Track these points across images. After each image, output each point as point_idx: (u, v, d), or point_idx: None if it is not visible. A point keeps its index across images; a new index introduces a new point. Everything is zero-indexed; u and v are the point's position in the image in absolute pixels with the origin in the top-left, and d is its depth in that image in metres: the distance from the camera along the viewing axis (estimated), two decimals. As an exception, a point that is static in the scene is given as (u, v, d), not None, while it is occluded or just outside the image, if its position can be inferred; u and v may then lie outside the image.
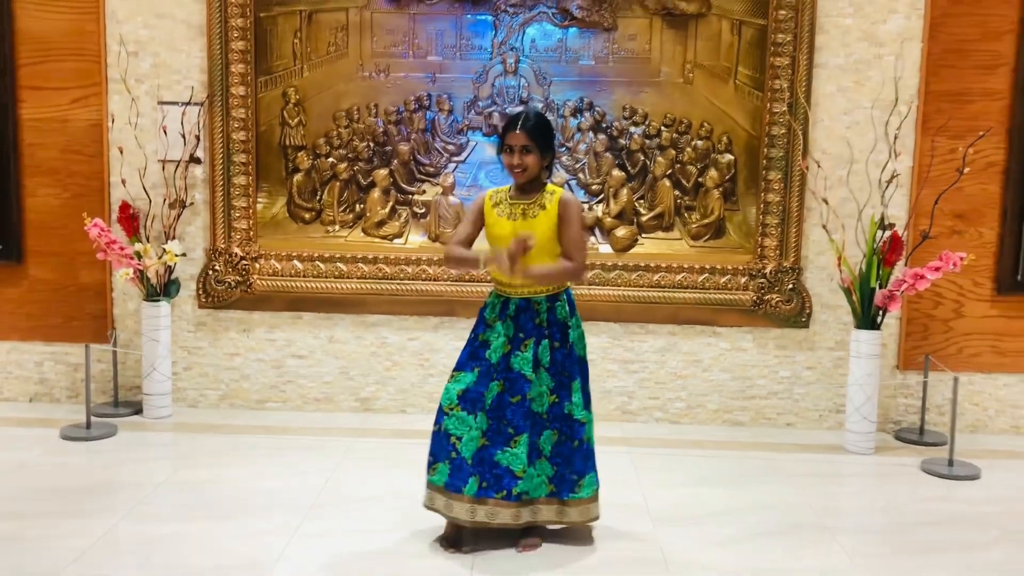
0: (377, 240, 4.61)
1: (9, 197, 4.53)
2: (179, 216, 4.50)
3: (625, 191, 4.54)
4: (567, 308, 3.12)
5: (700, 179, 4.52)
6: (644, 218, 4.56)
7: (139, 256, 4.32)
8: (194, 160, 4.50)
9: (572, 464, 3.13)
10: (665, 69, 4.48)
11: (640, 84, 4.49)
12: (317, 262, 4.58)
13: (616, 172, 4.54)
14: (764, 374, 4.58)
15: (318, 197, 4.61)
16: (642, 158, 4.54)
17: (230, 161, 4.50)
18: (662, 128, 4.50)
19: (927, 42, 4.32)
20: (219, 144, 4.48)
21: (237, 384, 4.67)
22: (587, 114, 4.52)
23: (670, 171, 4.53)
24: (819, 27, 4.33)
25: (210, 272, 4.57)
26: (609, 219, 4.56)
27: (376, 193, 4.59)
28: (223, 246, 4.55)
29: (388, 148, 4.58)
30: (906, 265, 4.32)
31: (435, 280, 4.56)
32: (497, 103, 4.53)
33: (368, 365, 4.64)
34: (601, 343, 4.55)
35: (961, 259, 4.07)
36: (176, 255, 4.38)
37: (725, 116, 4.48)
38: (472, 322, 3.24)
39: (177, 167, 4.47)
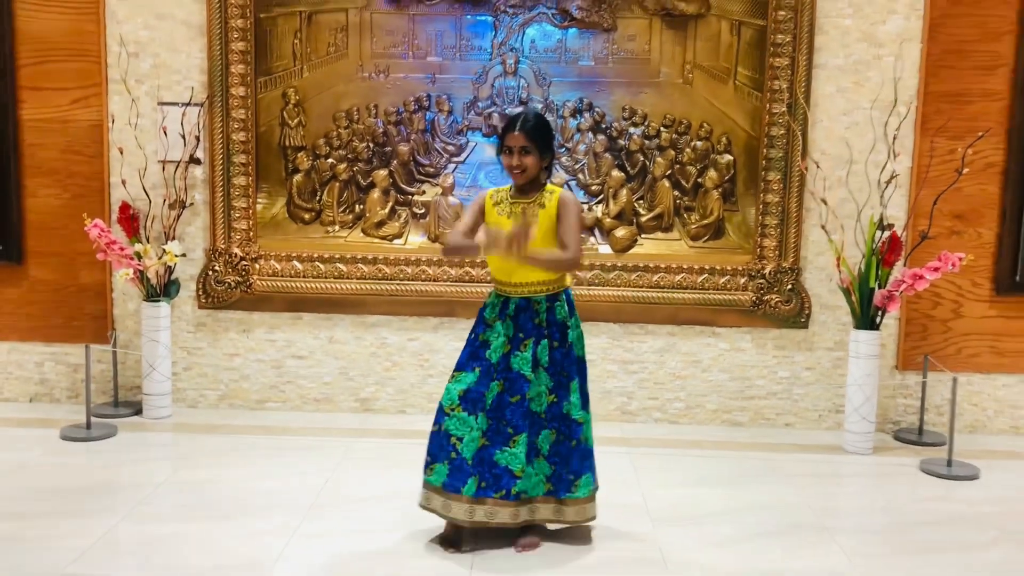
0: (377, 240, 4.62)
1: (9, 198, 4.54)
2: (179, 217, 4.50)
3: (624, 192, 4.55)
4: (566, 308, 3.13)
5: (699, 180, 4.53)
6: (643, 219, 4.57)
7: (139, 257, 4.32)
8: (194, 161, 4.51)
9: (569, 464, 3.13)
10: (664, 70, 4.48)
11: (640, 85, 4.49)
12: (317, 262, 4.59)
13: (615, 173, 4.54)
14: (763, 374, 4.58)
15: (318, 198, 4.62)
16: (641, 159, 4.54)
17: (230, 162, 4.50)
18: (661, 129, 4.51)
19: (926, 43, 4.33)
20: (219, 145, 4.48)
21: (237, 384, 4.68)
22: (586, 115, 4.52)
23: (669, 172, 4.53)
24: (818, 28, 4.34)
25: (210, 272, 4.58)
26: (608, 220, 4.56)
27: (376, 194, 4.59)
28: (223, 246, 4.55)
29: (388, 149, 4.59)
30: (905, 265, 4.33)
31: (435, 280, 4.56)
32: (497, 104, 4.54)
33: (368, 365, 4.65)
34: (600, 343, 4.56)
35: (960, 259, 4.07)
36: (176, 256, 4.39)
37: (724, 117, 4.49)
38: (472, 322, 3.24)
39: (177, 168, 4.47)
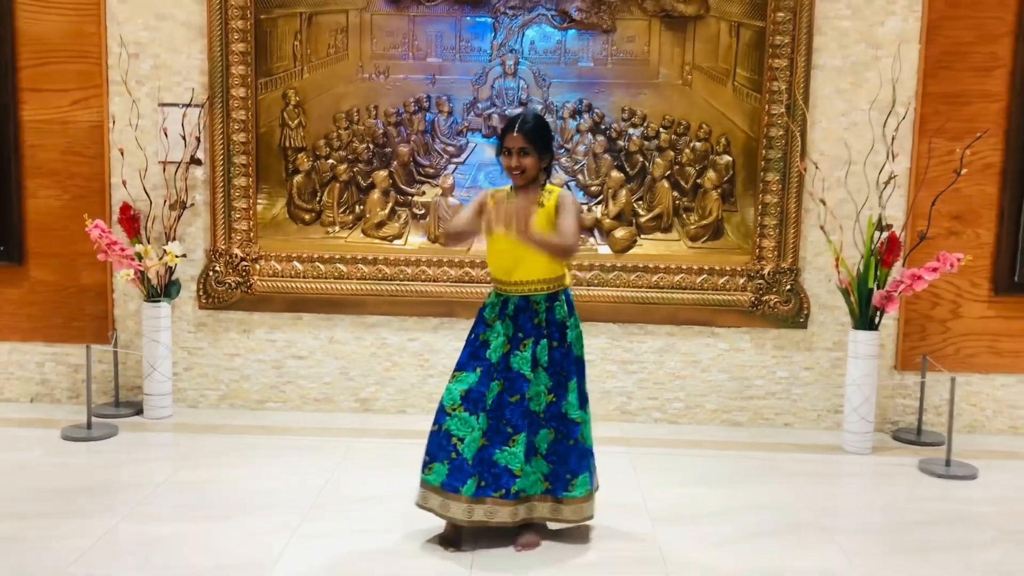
0: (377, 241, 4.63)
1: (10, 199, 4.55)
2: (179, 217, 4.51)
3: (624, 192, 4.56)
4: (565, 308, 3.14)
5: (698, 180, 4.54)
6: (643, 219, 4.58)
7: (140, 257, 4.33)
8: (194, 161, 4.52)
9: (567, 463, 3.13)
10: (664, 71, 4.49)
11: (639, 86, 4.50)
12: (317, 263, 4.60)
13: (615, 173, 4.55)
14: (762, 374, 4.59)
15: (318, 198, 4.63)
16: (641, 159, 4.55)
17: (230, 163, 4.51)
18: (661, 130, 4.52)
19: (924, 44, 4.34)
20: (219, 146, 4.49)
21: (237, 384, 4.69)
22: (586, 116, 4.53)
23: (669, 172, 4.54)
24: (817, 29, 4.35)
25: (210, 273, 4.59)
26: (608, 220, 4.57)
27: (376, 194, 4.60)
28: (223, 247, 4.56)
29: (388, 150, 4.60)
30: (904, 266, 4.34)
31: (435, 281, 4.57)
32: (496, 105, 4.55)
33: (368, 366, 4.66)
34: (600, 344, 4.57)
35: (958, 260, 4.08)
36: (177, 256, 4.40)
37: (723, 118, 4.50)
38: (471, 322, 3.25)
39: (178, 168, 4.48)
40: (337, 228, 4.64)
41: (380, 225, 4.63)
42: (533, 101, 4.52)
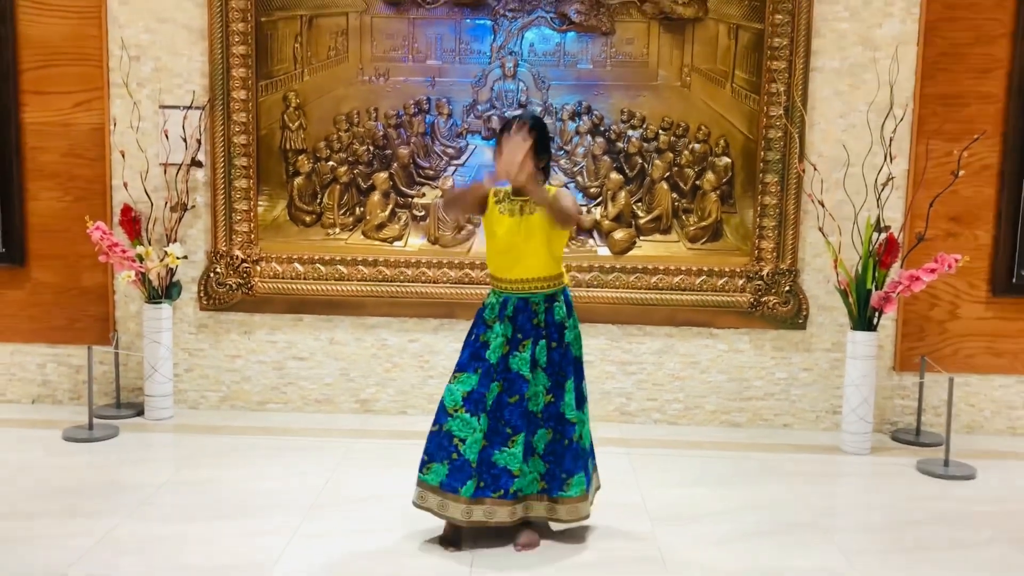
0: (377, 243, 4.64)
1: (12, 200, 4.56)
2: (180, 219, 4.53)
3: (623, 194, 4.57)
4: (564, 309, 3.15)
5: (697, 182, 4.55)
6: (642, 221, 4.59)
7: (141, 259, 4.35)
8: (195, 163, 4.53)
9: (563, 463, 3.14)
10: (663, 73, 4.51)
11: (638, 88, 4.52)
12: (317, 264, 4.61)
13: (614, 175, 4.57)
14: (761, 375, 4.60)
15: (318, 200, 4.64)
16: (640, 161, 4.57)
17: (231, 164, 4.53)
18: (660, 131, 4.53)
19: (922, 46, 4.35)
20: (220, 148, 4.51)
21: (238, 386, 4.70)
22: (585, 118, 4.55)
23: (668, 174, 4.56)
24: (815, 31, 4.36)
25: (211, 274, 4.60)
26: (607, 222, 4.59)
27: (376, 196, 4.62)
28: (224, 249, 4.58)
29: (388, 152, 4.61)
30: (902, 267, 4.35)
31: (434, 282, 4.59)
32: (496, 107, 4.56)
33: (368, 367, 4.67)
34: (599, 345, 4.58)
35: (956, 261, 4.10)
36: (178, 258, 4.41)
37: (722, 119, 4.51)
38: (471, 323, 3.26)
39: (179, 170, 4.50)
40: (337, 230, 4.65)
41: (380, 227, 4.64)
42: (532, 103, 4.54)
